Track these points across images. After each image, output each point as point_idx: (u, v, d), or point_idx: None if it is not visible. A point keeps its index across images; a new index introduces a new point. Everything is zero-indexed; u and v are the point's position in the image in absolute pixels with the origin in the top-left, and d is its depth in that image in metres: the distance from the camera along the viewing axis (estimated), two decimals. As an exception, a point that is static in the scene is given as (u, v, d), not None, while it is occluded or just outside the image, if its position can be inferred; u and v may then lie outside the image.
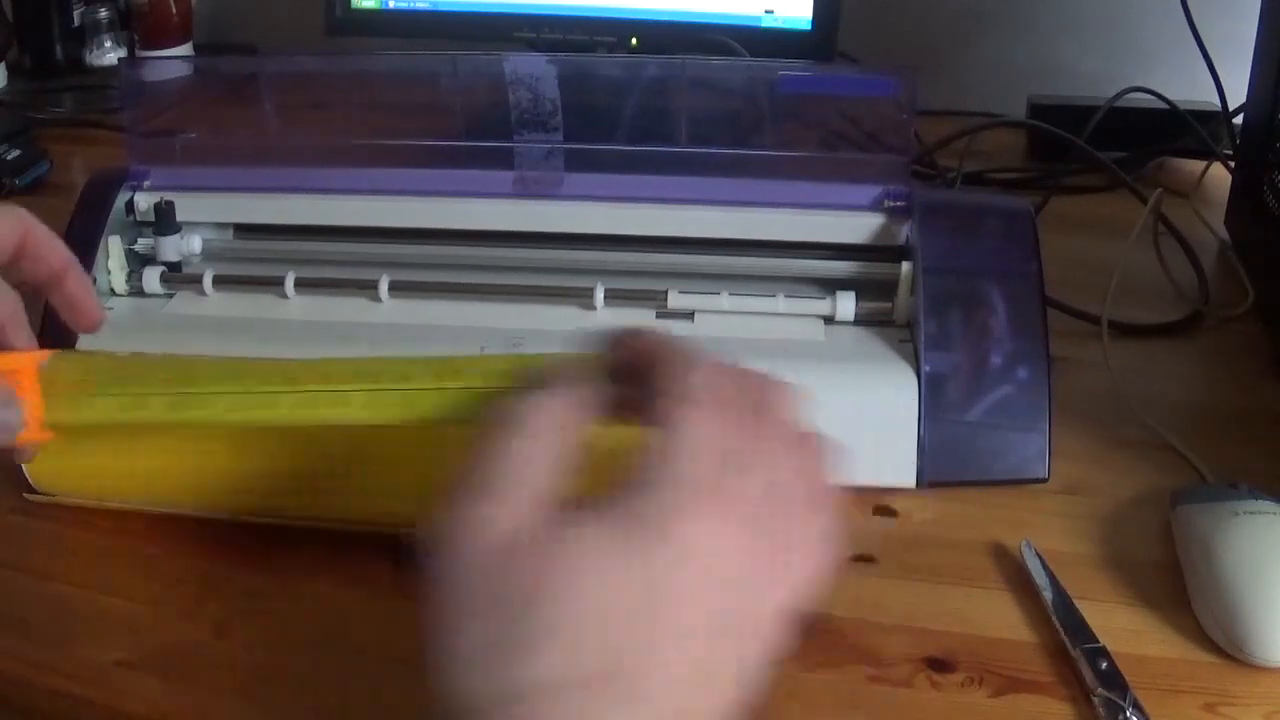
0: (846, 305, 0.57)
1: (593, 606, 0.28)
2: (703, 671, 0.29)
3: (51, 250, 0.48)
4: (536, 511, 0.30)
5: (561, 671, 0.27)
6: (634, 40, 0.93)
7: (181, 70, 0.81)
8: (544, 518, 0.29)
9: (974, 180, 0.89)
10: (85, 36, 1.26)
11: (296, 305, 0.60)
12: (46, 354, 0.43)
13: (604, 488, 0.30)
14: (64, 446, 0.44)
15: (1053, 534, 0.50)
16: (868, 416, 0.53)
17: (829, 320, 0.57)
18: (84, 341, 0.57)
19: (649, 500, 0.30)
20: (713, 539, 0.30)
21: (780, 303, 0.57)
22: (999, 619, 0.46)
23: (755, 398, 0.34)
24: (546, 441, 0.31)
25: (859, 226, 0.59)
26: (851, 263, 0.59)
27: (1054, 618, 0.45)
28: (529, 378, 0.34)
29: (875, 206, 0.59)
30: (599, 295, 0.58)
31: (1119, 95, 0.89)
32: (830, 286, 0.58)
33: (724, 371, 0.34)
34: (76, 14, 1.25)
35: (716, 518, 0.30)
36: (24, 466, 0.51)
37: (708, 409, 0.32)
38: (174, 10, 1.18)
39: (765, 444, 0.32)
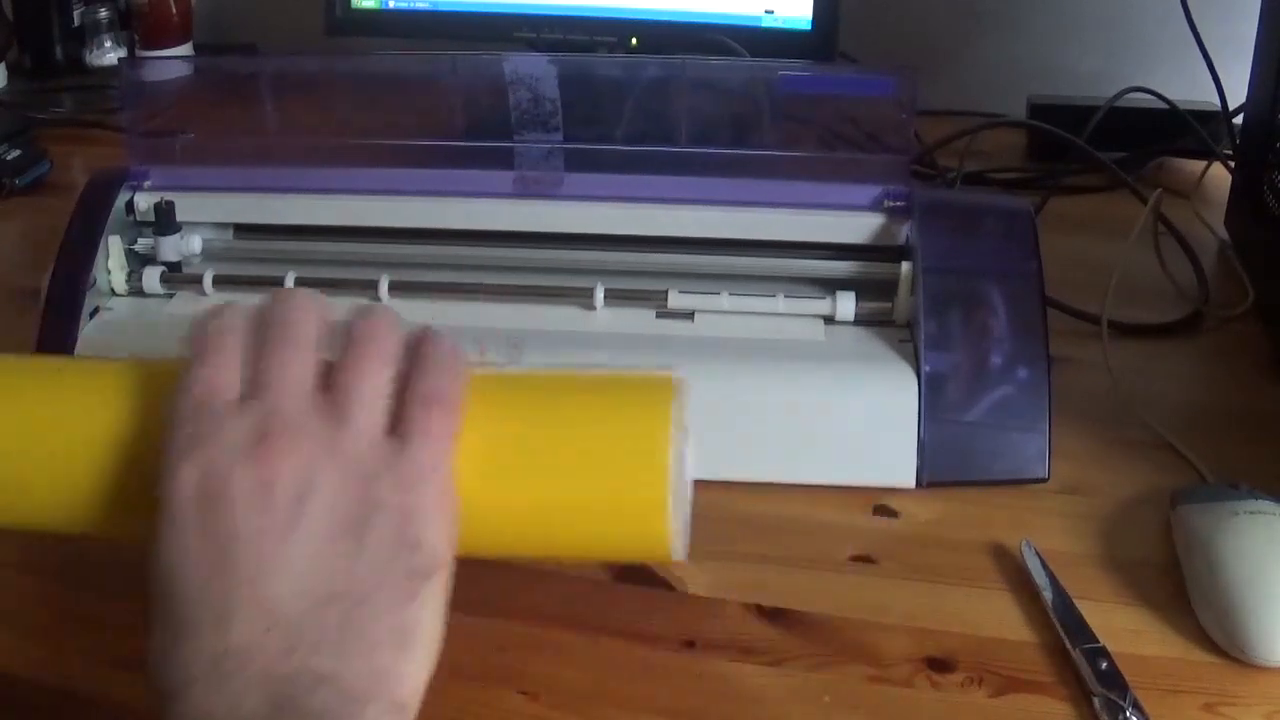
0: (846, 305, 0.57)
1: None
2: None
3: None
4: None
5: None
6: (634, 40, 0.93)
7: (181, 70, 0.81)
8: None
9: (974, 180, 0.89)
10: (85, 36, 1.26)
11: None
12: None
13: None
14: None
15: (1053, 534, 0.50)
16: (868, 416, 0.53)
17: (829, 320, 0.57)
18: (83, 346, 0.58)
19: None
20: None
21: (780, 303, 0.57)
22: (999, 619, 0.46)
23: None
24: None
25: (859, 226, 0.59)
26: (851, 263, 0.59)
27: (1054, 618, 0.45)
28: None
29: (875, 206, 0.59)
30: (599, 295, 0.58)
31: (1119, 95, 0.89)
32: (830, 286, 0.58)
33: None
34: (76, 14, 1.25)
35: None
36: None
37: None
38: (174, 10, 1.18)
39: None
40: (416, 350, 0.34)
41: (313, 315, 0.34)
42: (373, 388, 0.33)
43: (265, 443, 0.31)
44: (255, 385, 0.33)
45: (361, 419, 0.33)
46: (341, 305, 0.36)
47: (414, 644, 0.32)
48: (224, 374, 0.33)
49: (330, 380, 0.33)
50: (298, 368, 0.33)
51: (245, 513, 0.31)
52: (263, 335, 0.34)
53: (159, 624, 0.31)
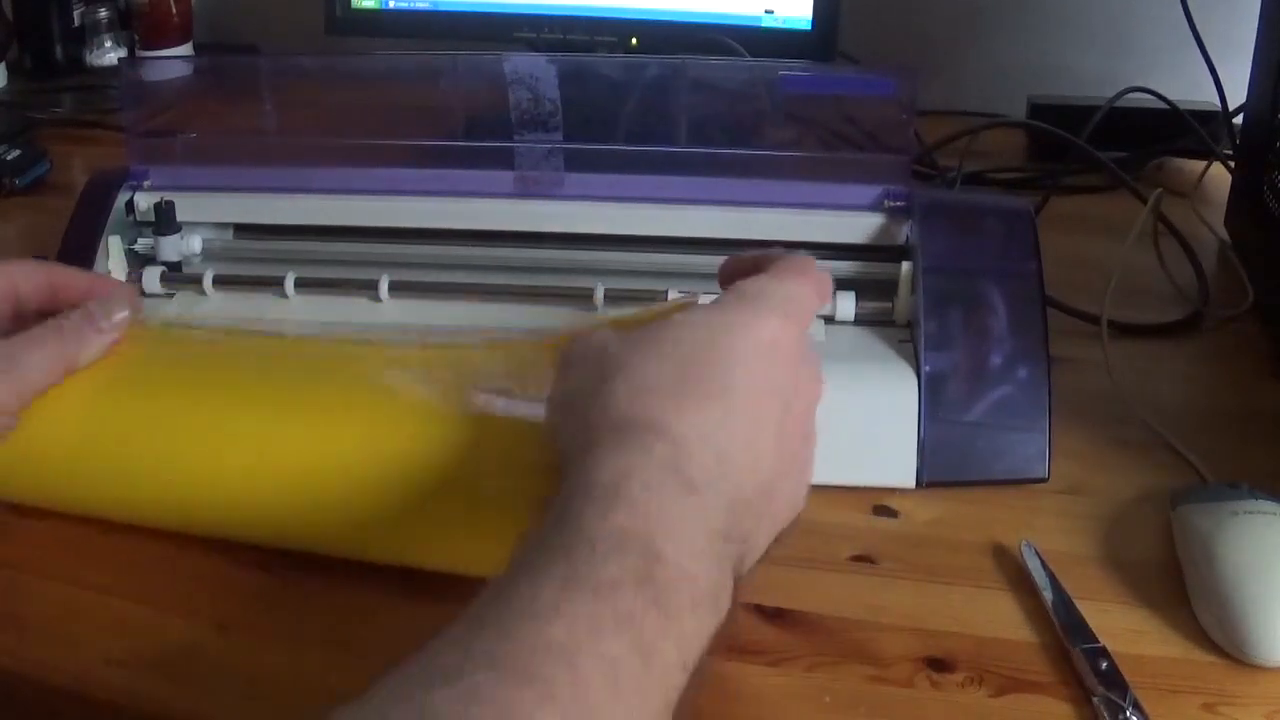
0: (846, 305, 0.57)
1: (683, 337, 0.40)
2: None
3: (77, 278, 0.51)
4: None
5: (669, 372, 0.38)
6: (634, 40, 0.93)
7: (181, 70, 0.81)
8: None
9: (974, 180, 0.89)
10: (85, 36, 1.26)
11: (296, 305, 0.60)
12: None
13: None
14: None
15: (1053, 534, 0.50)
16: (868, 416, 0.53)
17: (829, 320, 0.57)
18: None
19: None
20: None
21: (780, 303, 0.57)
22: (999, 619, 0.46)
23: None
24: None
25: (859, 226, 0.59)
26: (851, 262, 0.59)
27: (1054, 618, 0.45)
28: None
29: (875, 206, 0.59)
30: (599, 295, 0.58)
31: (1119, 95, 0.89)
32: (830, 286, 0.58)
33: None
34: (76, 14, 1.25)
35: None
36: None
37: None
38: (174, 10, 1.18)
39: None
40: None
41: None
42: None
43: (810, 362, 0.42)
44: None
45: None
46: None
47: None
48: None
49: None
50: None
51: (793, 388, 0.40)
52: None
53: (673, 373, 0.38)
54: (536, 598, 0.31)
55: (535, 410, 0.43)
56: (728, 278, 0.45)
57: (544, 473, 0.39)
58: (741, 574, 0.37)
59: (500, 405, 0.46)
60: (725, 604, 0.35)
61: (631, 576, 0.32)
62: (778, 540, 0.40)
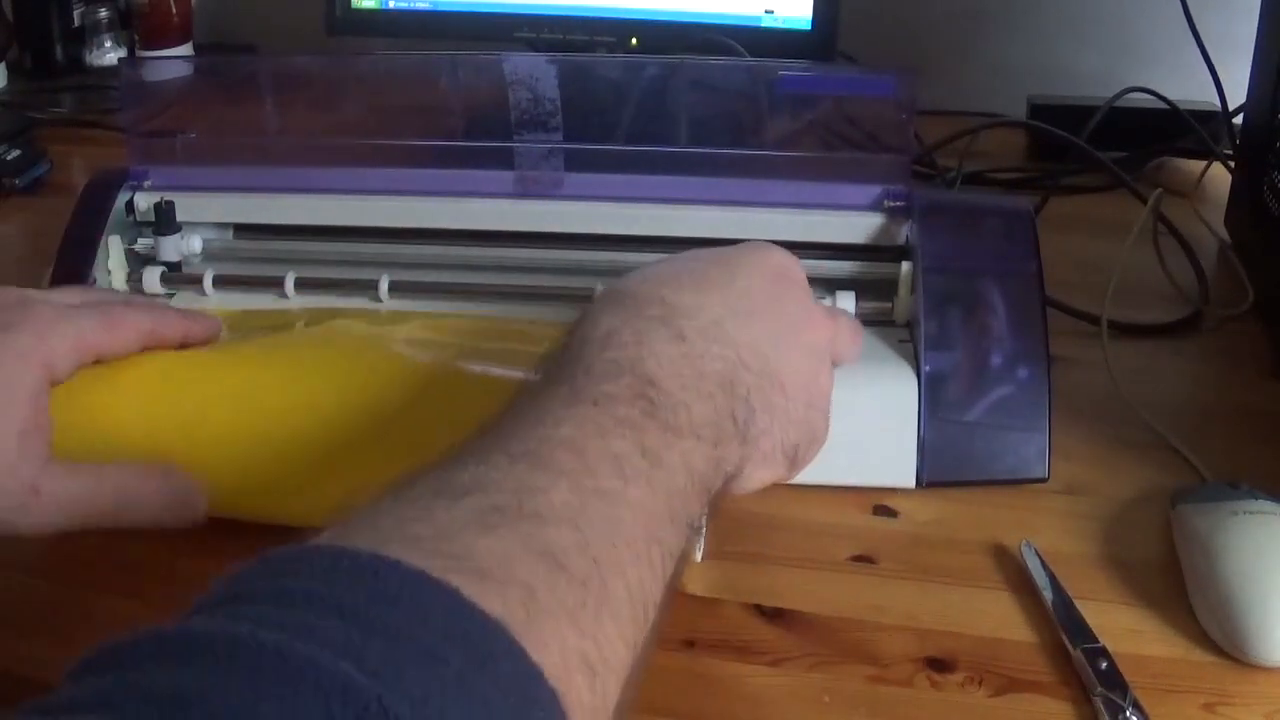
0: (846, 305, 0.57)
1: (694, 256, 0.44)
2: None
3: (177, 325, 0.51)
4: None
5: (675, 270, 0.42)
6: (634, 40, 0.93)
7: (181, 70, 0.81)
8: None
9: (974, 180, 0.89)
10: (85, 36, 1.26)
11: (296, 305, 0.60)
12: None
13: None
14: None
15: (1053, 534, 0.50)
16: (868, 416, 0.53)
17: (829, 320, 0.57)
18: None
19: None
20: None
21: (780, 303, 0.57)
22: (999, 619, 0.46)
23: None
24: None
25: (859, 226, 0.59)
26: (851, 262, 0.59)
27: (1054, 618, 0.45)
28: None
29: (875, 206, 0.59)
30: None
31: (1119, 95, 0.89)
32: (830, 286, 0.58)
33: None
34: (76, 14, 1.25)
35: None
36: None
37: None
38: (174, 10, 1.18)
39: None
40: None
41: None
42: (855, 354, 0.48)
43: (819, 305, 0.46)
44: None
45: (840, 357, 0.47)
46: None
47: (770, 470, 0.41)
48: None
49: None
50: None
51: (796, 308, 0.43)
52: None
53: (679, 271, 0.42)
54: (542, 409, 0.35)
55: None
56: None
57: None
58: (752, 456, 0.40)
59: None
60: (726, 456, 0.38)
61: (627, 392, 0.36)
62: (793, 462, 0.42)
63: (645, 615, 0.32)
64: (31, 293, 0.49)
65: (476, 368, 0.49)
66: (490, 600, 0.27)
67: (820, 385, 0.44)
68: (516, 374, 0.48)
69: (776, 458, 0.41)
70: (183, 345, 0.51)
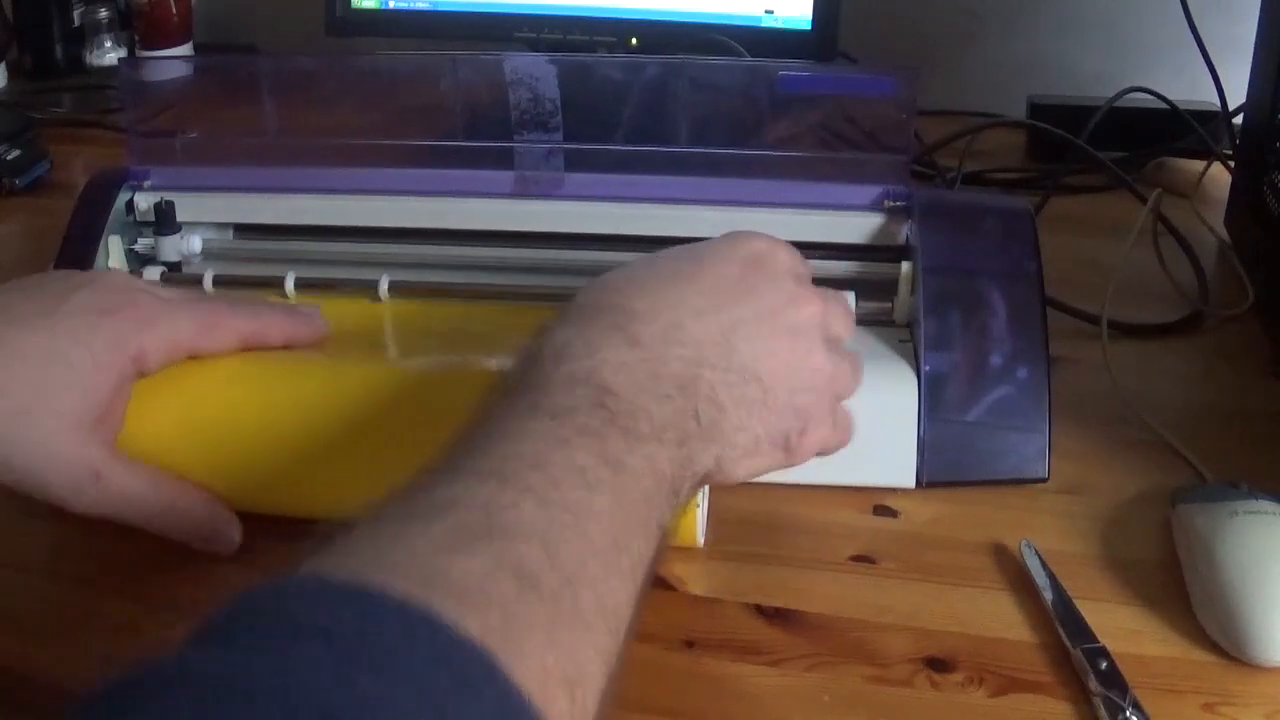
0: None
1: (658, 256, 0.44)
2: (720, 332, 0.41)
3: (280, 327, 0.52)
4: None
5: (633, 273, 0.42)
6: (634, 40, 0.93)
7: (181, 70, 0.81)
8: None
9: (974, 180, 0.89)
10: (85, 36, 1.26)
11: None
12: None
13: None
14: None
15: (1053, 534, 0.50)
16: (868, 416, 0.52)
17: (829, 320, 0.57)
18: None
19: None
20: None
21: (780, 303, 0.57)
22: (999, 619, 0.46)
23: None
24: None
25: (859, 226, 0.59)
26: (851, 262, 0.59)
27: (1054, 618, 0.45)
28: None
29: (875, 206, 0.59)
30: (599, 295, 0.58)
31: (1119, 95, 0.89)
32: (830, 286, 0.58)
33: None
34: (76, 14, 1.25)
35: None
36: None
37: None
38: (174, 10, 1.18)
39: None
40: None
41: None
42: (849, 326, 0.47)
43: (804, 285, 0.44)
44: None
45: (841, 335, 0.46)
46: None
47: (751, 464, 0.41)
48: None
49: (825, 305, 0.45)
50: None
51: (772, 292, 0.42)
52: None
53: (638, 273, 0.42)
54: (506, 425, 0.35)
55: None
56: None
57: None
58: (729, 452, 0.40)
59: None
60: (693, 456, 0.38)
61: (585, 403, 0.36)
62: (790, 450, 0.42)
63: (618, 625, 0.32)
64: (140, 283, 0.50)
65: (493, 362, 0.49)
66: (470, 623, 0.27)
67: (811, 366, 0.43)
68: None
69: (763, 449, 0.41)
70: (286, 346, 0.51)
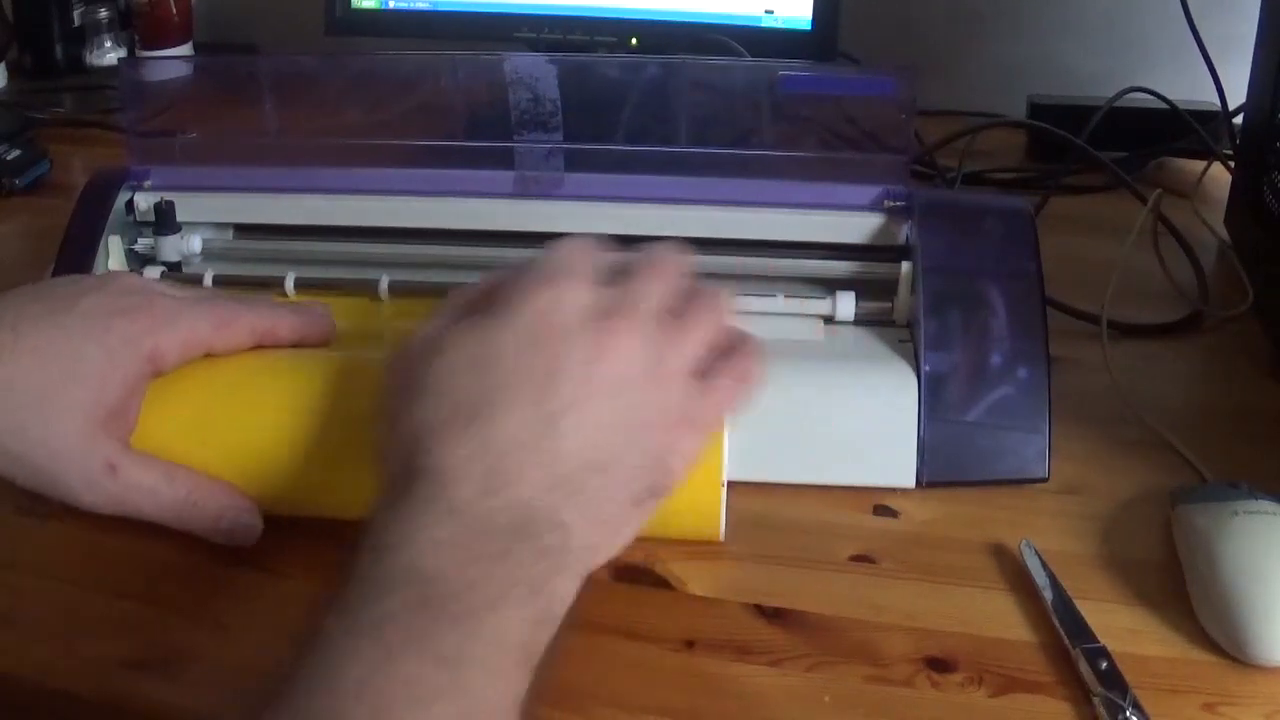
0: (846, 305, 0.57)
1: (449, 369, 0.39)
2: (540, 421, 0.38)
3: (291, 325, 0.52)
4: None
5: (434, 415, 0.39)
6: (634, 40, 0.93)
7: (181, 70, 0.81)
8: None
9: (974, 180, 0.89)
10: (85, 36, 1.26)
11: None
12: None
13: None
14: None
15: (1053, 534, 0.50)
16: (867, 416, 0.53)
17: (829, 320, 0.57)
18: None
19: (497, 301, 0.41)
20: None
21: (780, 303, 0.57)
22: (999, 619, 0.46)
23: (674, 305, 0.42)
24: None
25: (859, 226, 0.59)
26: (851, 263, 0.59)
27: (1054, 618, 0.45)
28: None
29: (875, 206, 0.59)
30: (599, 295, 0.58)
31: (1119, 95, 0.89)
32: (830, 286, 0.58)
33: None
34: (76, 14, 1.25)
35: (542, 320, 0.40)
36: None
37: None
38: (174, 10, 1.18)
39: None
40: (735, 335, 0.44)
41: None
42: (703, 340, 0.42)
43: (615, 318, 0.40)
44: (615, 285, 0.41)
45: (686, 353, 0.41)
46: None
47: (622, 536, 0.40)
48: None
49: (675, 312, 0.41)
50: (659, 291, 0.42)
51: (575, 354, 0.39)
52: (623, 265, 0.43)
53: (439, 413, 0.39)
54: (328, 654, 0.34)
55: None
56: None
57: None
58: (595, 546, 0.39)
59: None
60: (555, 591, 0.37)
61: (406, 604, 0.34)
62: (644, 505, 0.40)
63: None
64: (153, 284, 0.51)
65: None
66: None
67: (644, 411, 0.40)
68: None
69: (630, 517, 0.40)
70: (297, 345, 0.51)
